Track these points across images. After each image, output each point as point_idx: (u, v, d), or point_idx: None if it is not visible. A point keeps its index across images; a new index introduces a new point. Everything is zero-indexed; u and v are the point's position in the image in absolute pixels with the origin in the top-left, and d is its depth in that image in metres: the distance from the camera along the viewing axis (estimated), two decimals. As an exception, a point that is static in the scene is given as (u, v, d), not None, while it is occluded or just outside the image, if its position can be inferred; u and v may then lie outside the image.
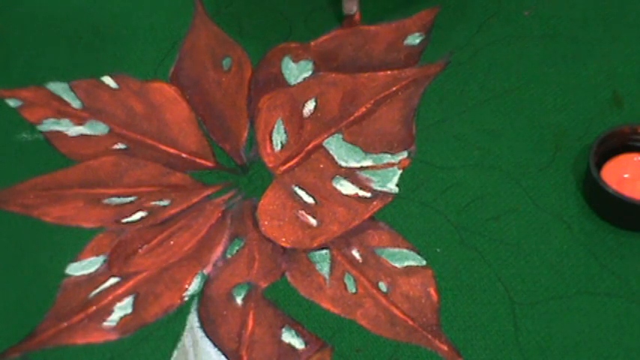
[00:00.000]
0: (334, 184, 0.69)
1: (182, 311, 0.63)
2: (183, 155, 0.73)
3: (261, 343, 0.61)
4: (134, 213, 0.69)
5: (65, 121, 0.76)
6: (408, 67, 0.77)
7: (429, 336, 0.60)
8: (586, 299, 0.61)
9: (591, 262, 0.63)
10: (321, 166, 0.71)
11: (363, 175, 0.70)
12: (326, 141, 0.72)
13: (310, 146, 0.72)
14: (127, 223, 0.68)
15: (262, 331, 0.61)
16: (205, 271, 0.65)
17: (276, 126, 0.74)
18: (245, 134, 0.74)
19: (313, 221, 0.67)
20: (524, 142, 0.71)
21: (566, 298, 0.62)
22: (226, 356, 0.61)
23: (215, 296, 0.64)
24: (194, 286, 0.64)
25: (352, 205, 0.68)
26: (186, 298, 0.64)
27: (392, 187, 0.69)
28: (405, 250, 0.65)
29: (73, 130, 0.75)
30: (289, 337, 0.61)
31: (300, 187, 0.70)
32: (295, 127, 0.74)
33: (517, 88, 0.75)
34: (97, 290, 0.65)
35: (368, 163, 0.71)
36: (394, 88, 0.76)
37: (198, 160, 0.73)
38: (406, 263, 0.64)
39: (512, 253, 0.64)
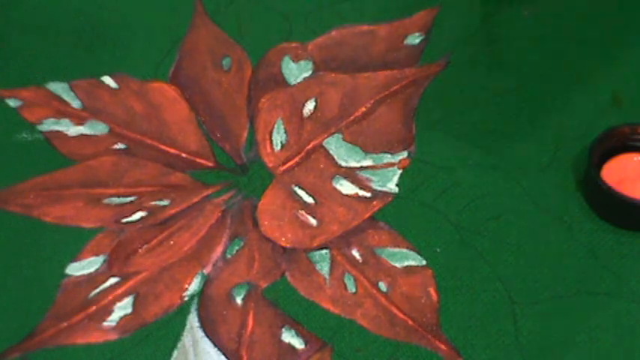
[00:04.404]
0: (334, 184, 0.69)
1: (182, 311, 0.63)
2: (183, 155, 0.73)
3: (261, 342, 0.61)
4: (134, 213, 0.69)
5: (65, 121, 0.76)
6: (408, 67, 0.77)
7: (429, 336, 0.60)
8: (586, 299, 0.61)
9: (591, 262, 0.63)
10: (321, 166, 0.71)
11: (363, 175, 0.70)
12: (326, 141, 0.72)
13: (310, 146, 0.72)
14: (127, 223, 0.68)
15: (262, 330, 0.61)
16: (205, 271, 0.65)
17: (276, 126, 0.74)
18: (245, 134, 0.74)
19: (313, 221, 0.67)
20: (524, 142, 0.71)
21: (566, 298, 0.61)
22: (226, 356, 0.61)
23: (215, 296, 0.64)
24: (194, 286, 0.64)
25: (352, 205, 0.68)
26: (186, 298, 0.64)
27: (392, 187, 0.69)
28: (405, 250, 0.65)
29: (73, 130, 0.75)
30: (289, 337, 0.61)
31: (300, 187, 0.70)
32: (295, 127, 0.74)
33: (517, 88, 0.75)
34: (97, 290, 0.65)
35: (368, 163, 0.71)
36: (394, 88, 0.76)
37: (198, 160, 0.73)
38: (406, 263, 0.64)
39: (512, 253, 0.64)
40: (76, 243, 0.67)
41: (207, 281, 0.65)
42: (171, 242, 0.67)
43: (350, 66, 0.78)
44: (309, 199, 0.69)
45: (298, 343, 0.61)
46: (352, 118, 0.74)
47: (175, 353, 0.61)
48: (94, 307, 0.64)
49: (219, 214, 0.69)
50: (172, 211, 0.69)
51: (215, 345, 0.61)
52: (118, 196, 0.70)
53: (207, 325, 0.62)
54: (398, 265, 0.64)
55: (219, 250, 0.66)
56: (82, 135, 0.75)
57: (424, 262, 0.64)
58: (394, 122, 0.73)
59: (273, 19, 0.83)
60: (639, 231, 0.64)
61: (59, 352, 0.62)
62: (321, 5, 0.84)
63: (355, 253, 0.65)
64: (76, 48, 0.83)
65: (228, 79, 0.78)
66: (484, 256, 0.64)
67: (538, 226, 0.65)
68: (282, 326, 0.62)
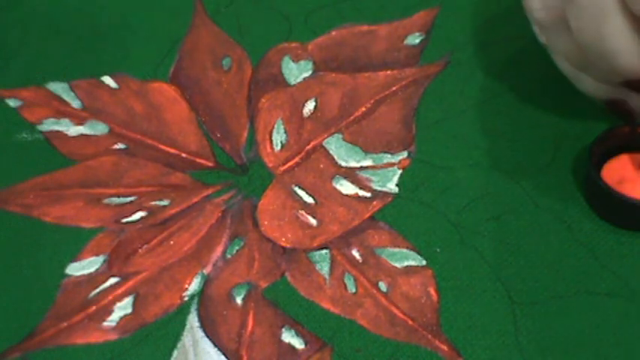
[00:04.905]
0: (334, 184, 0.69)
1: (182, 311, 0.63)
2: (183, 155, 0.73)
3: (261, 342, 0.61)
4: (134, 213, 0.69)
5: (65, 121, 0.76)
6: (408, 67, 0.77)
7: (429, 336, 0.60)
8: (586, 299, 0.61)
9: (591, 262, 0.63)
10: (321, 166, 0.71)
11: (363, 175, 0.70)
12: (326, 141, 0.72)
13: (310, 146, 0.72)
14: (127, 223, 0.68)
15: (262, 330, 0.61)
16: (205, 271, 0.65)
17: (276, 126, 0.74)
18: (245, 134, 0.74)
19: (313, 221, 0.67)
20: (524, 142, 0.71)
21: (566, 298, 0.61)
22: (226, 356, 0.61)
23: (215, 296, 0.64)
24: (194, 286, 0.64)
25: (352, 205, 0.68)
26: (186, 298, 0.64)
27: (392, 187, 0.69)
28: (405, 250, 0.65)
29: (73, 130, 0.75)
30: (289, 337, 0.61)
31: (300, 187, 0.70)
32: (295, 127, 0.74)
33: (517, 87, 0.75)
34: (97, 290, 0.65)
35: (368, 163, 0.71)
36: (394, 88, 0.76)
37: (198, 160, 0.73)
38: (406, 263, 0.64)
39: (512, 253, 0.64)
40: (76, 243, 0.68)
41: (207, 281, 0.65)
42: (171, 242, 0.67)
43: (350, 66, 0.78)
44: (309, 199, 0.69)
45: (298, 343, 0.61)
46: (352, 118, 0.74)
47: (175, 353, 0.61)
48: (94, 307, 0.64)
49: (219, 214, 0.69)
50: (172, 211, 0.69)
51: (215, 345, 0.61)
52: (118, 196, 0.70)
53: (207, 325, 0.62)
54: (398, 265, 0.64)
55: (219, 250, 0.66)
56: (82, 135, 0.75)
57: (424, 262, 0.64)
58: (394, 122, 0.73)
59: (273, 19, 0.83)
60: (639, 231, 0.64)
61: (59, 352, 0.62)
62: (321, 5, 0.84)
63: (355, 253, 0.65)
64: (76, 48, 0.83)
65: (228, 79, 0.78)
66: (484, 256, 0.64)
67: (538, 226, 0.65)
68: (282, 326, 0.62)
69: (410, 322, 0.62)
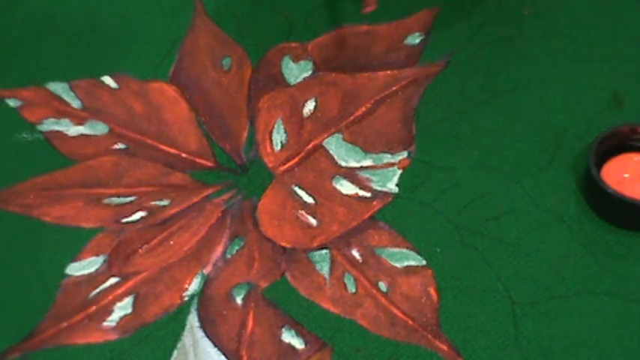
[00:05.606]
0: (334, 184, 0.69)
1: (182, 311, 0.63)
2: (183, 155, 0.73)
3: (261, 342, 0.61)
4: (134, 213, 0.69)
5: (65, 121, 0.76)
6: (408, 67, 0.77)
7: (429, 336, 0.60)
8: (586, 299, 0.61)
9: (591, 262, 0.63)
10: (321, 166, 0.71)
11: (363, 175, 0.70)
12: (326, 141, 0.72)
13: (310, 146, 0.72)
14: (127, 223, 0.68)
15: (262, 330, 0.61)
16: (205, 271, 0.65)
17: (276, 126, 0.74)
18: (245, 134, 0.74)
19: (313, 221, 0.67)
20: (524, 142, 0.71)
21: (566, 298, 0.62)
22: (226, 356, 0.61)
23: (215, 296, 0.64)
24: (194, 286, 0.64)
25: (352, 205, 0.68)
26: (186, 298, 0.64)
27: (392, 187, 0.69)
28: (405, 250, 0.65)
29: (73, 130, 0.75)
30: (289, 337, 0.61)
31: (300, 187, 0.70)
32: (295, 127, 0.74)
33: (517, 88, 0.75)
34: (97, 290, 0.65)
35: (368, 163, 0.71)
36: (394, 88, 0.76)
37: (198, 160, 0.73)
38: (406, 263, 0.64)
39: (512, 253, 0.64)
40: (76, 243, 0.68)
41: (207, 281, 0.65)
42: (171, 242, 0.67)
43: (350, 66, 0.78)
44: (309, 199, 0.69)
45: (298, 343, 0.61)
46: (352, 118, 0.74)
47: (175, 353, 0.61)
48: (94, 307, 0.64)
49: (219, 214, 0.69)
50: (172, 211, 0.69)
51: (215, 345, 0.61)
52: (118, 196, 0.70)
53: (207, 325, 0.62)
54: (398, 265, 0.64)
55: (219, 250, 0.66)
56: (82, 135, 0.75)
57: (424, 262, 0.64)
58: (394, 122, 0.73)
59: (273, 19, 0.83)
60: (639, 231, 0.64)
61: (59, 352, 0.62)
62: (321, 5, 0.84)
63: (355, 253, 0.65)
64: (76, 48, 0.83)
65: (228, 79, 0.78)
66: (484, 256, 0.64)
67: (538, 226, 0.66)
68: (282, 326, 0.62)
69: (410, 322, 0.62)
